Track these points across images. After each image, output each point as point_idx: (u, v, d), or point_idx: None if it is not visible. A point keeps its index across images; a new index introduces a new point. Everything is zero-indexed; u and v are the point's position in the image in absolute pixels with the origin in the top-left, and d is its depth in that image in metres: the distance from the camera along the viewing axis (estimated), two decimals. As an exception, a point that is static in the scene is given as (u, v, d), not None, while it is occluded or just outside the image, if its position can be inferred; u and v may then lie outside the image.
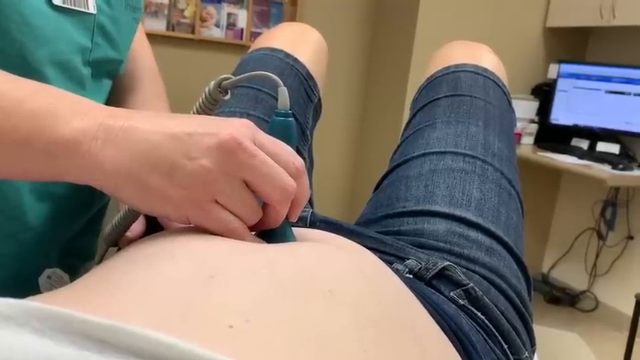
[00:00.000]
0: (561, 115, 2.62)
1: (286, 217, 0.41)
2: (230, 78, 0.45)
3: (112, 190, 0.38)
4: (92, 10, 0.53)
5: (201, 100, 0.46)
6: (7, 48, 0.46)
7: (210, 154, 0.36)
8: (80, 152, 0.37)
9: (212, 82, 0.45)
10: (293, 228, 0.43)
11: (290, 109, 0.43)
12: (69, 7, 0.50)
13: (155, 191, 0.37)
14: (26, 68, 0.47)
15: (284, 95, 0.42)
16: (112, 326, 0.22)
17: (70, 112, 0.37)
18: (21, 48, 0.47)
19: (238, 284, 0.31)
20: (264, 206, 0.40)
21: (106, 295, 0.30)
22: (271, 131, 0.41)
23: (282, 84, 0.42)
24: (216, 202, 0.37)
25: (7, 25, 0.45)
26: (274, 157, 0.38)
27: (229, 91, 0.46)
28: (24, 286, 0.53)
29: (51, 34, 0.48)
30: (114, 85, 0.63)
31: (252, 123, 0.39)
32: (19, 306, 0.23)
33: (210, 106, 0.46)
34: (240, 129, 0.37)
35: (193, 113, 0.46)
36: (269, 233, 0.41)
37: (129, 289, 0.30)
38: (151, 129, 0.37)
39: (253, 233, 0.41)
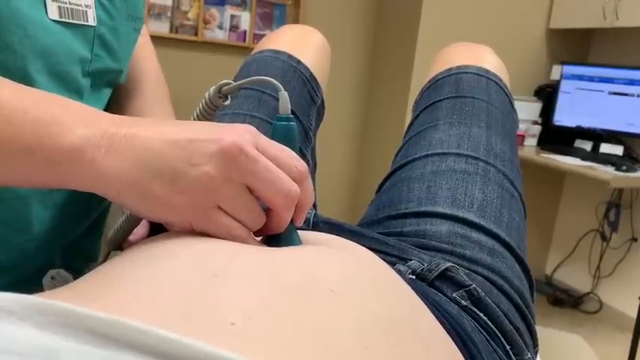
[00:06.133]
0: (564, 116, 2.62)
1: (291, 222, 0.40)
2: (230, 83, 0.45)
3: (115, 198, 0.38)
4: (92, 22, 0.53)
5: (201, 105, 0.46)
6: (9, 61, 0.45)
7: (213, 160, 0.36)
8: (84, 161, 0.36)
9: (212, 88, 0.45)
10: (298, 231, 0.43)
11: (291, 114, 0.42)
12: (68, 21, 0.50)
13: (158, 198, 0.37)
14: (25, 79, 0.46)
15: (285, 100, 0.42)
16: (115, 321, 0.22)
17: (73, 121, 0.37)
18: (22, 61, 0.46)
19: (241, 283, 0.31)
20: (268, 211, 0.40)
21: (109, 292, 0.30)
22: (273, 136, 0.41)
23: (282, 88, 0.42)
24: (220, 208, 0.37)
25: (10, 39, 0.45)
26: (277, 162, 0.38)
27: (229, 96, 0.45)
28: (27, 287, 0.53)
29: (51, 46, 0.48)
30: (117, 89, 0.64)
31: (254, 128, 0.38)
32: (21, 301, 0.23)
33: (211, 112, 0.46)
34: (242, 135, 0.37)
35: (193, 119, 0.46)
36: (274, 238, 0.41)
37: (132, 286, 0.30)
38: (153, 136, 0.37)
39: (259, 239, 0.41)
